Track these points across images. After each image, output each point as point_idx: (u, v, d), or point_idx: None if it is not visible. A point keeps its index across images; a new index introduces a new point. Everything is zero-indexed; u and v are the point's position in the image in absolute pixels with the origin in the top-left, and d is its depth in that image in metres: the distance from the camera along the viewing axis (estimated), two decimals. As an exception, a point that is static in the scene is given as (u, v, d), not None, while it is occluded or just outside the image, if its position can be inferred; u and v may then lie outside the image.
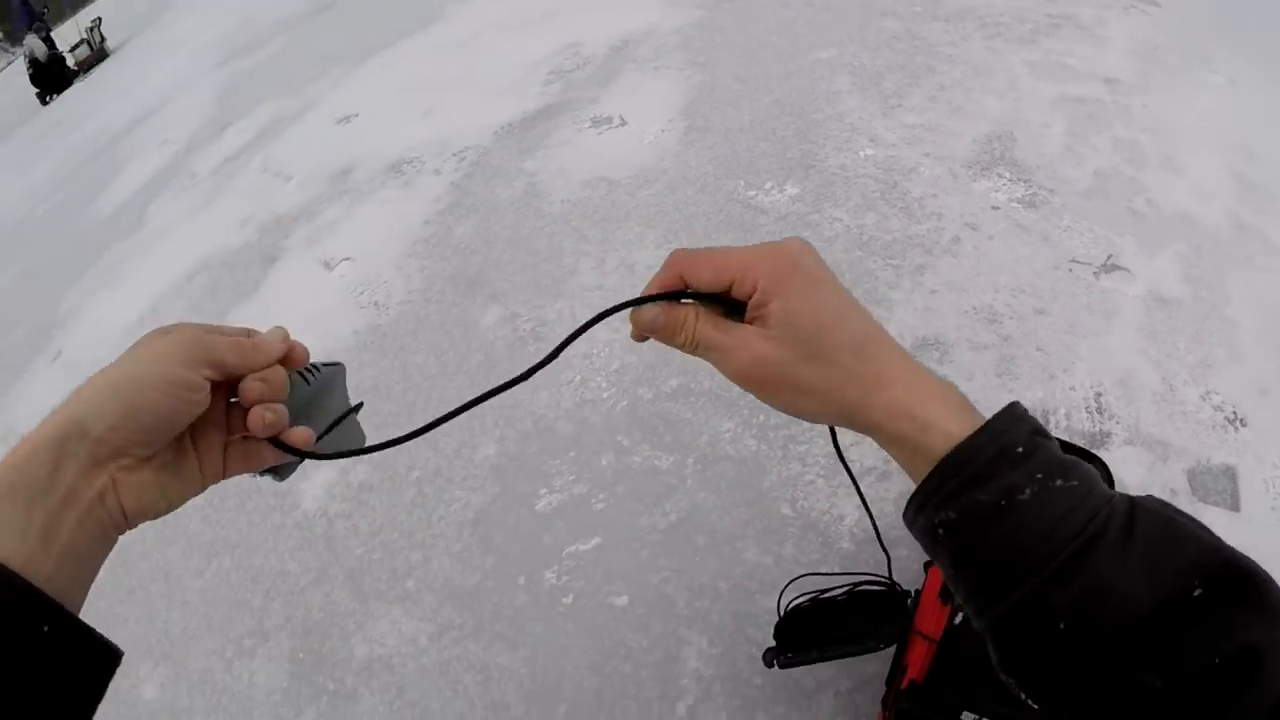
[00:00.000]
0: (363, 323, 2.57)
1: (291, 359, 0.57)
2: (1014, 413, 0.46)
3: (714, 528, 1.83)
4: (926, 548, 0.48)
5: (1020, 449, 0.44)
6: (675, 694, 1.65)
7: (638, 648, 1.71)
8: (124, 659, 0.46)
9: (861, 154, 2.77)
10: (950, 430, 0.45)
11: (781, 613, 1.54)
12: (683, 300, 0.53)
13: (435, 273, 2.61)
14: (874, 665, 1.59)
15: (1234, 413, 1.86)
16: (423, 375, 2.31)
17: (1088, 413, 1.91)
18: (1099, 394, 1.93)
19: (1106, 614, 0.40)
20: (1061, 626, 0.41)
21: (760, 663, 1.58)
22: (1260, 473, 1.77)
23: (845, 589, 1.52)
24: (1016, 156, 2.66)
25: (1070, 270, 2.22)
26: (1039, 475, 0.43)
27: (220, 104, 5.63)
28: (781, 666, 1.42)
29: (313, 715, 1.81)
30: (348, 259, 2.88)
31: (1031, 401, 1.93)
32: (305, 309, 2.79)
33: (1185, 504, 1.75)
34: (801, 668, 1.60)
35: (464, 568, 1.92)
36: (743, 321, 0.51)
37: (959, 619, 1.35)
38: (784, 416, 2.01)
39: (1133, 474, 1.78)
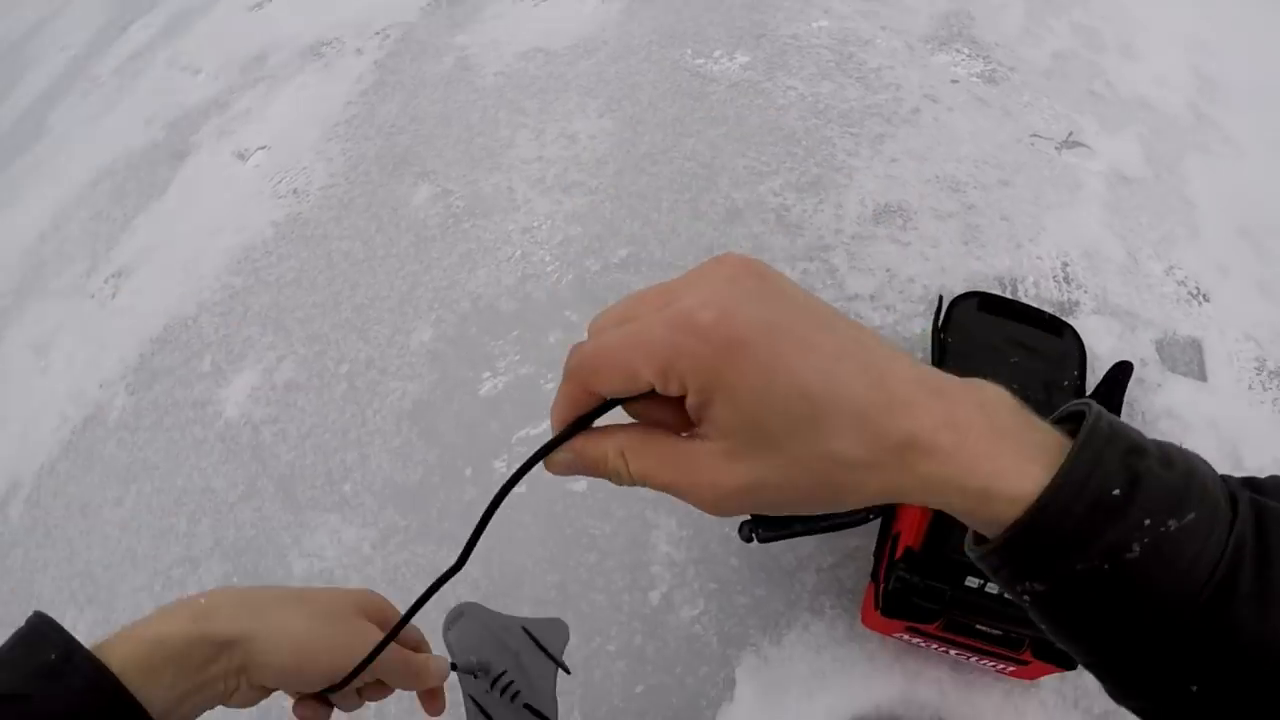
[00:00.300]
0: (281, 213, 2.27)
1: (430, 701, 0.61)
2: (1098, 432, 0.34)
3: (677, 402, 1.63)
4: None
5: (1117, 490, 0.32)
6: (646, 582, 1.48)
7: (601, 535, 1.53)
8: (48, 608, 0.50)
9: (815, 25, 2.53)
10: (1017, 491, 0.33)
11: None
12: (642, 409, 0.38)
13: (359, 155, 2.30)
14: (855, 539, 1.42)
15: (1197, 288, 1.82)
16: (349, 262, 2.03)
17: (1055, 282, 1.82)
18: (1066, 264, 1.85)
19: (1245, 670, 0.32)
20: (1194, 689, 0.33)
21: (736, 542, 1.40)
22: (1224, 346, 1.73)
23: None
24: (975, 34, 2.47)
25: (1032, 144, 2.10)
26: (1147, 521, 0.32)
27: (122, 3, 5.04)
28: (761, 541, 1.23)
29: (253, 642, 1.59)
30: (263, 148, 2.54)
31: (999, 269, 1.83)
32: (217, 204, 2.46)
33: (1154, 374, 1.68)
34: (780, 544, 1.43)
35: (405, 464, 1.69)
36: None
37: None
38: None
39: (1103, 343, 1.70)
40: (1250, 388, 1.70)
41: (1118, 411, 1.39)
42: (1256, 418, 1.67)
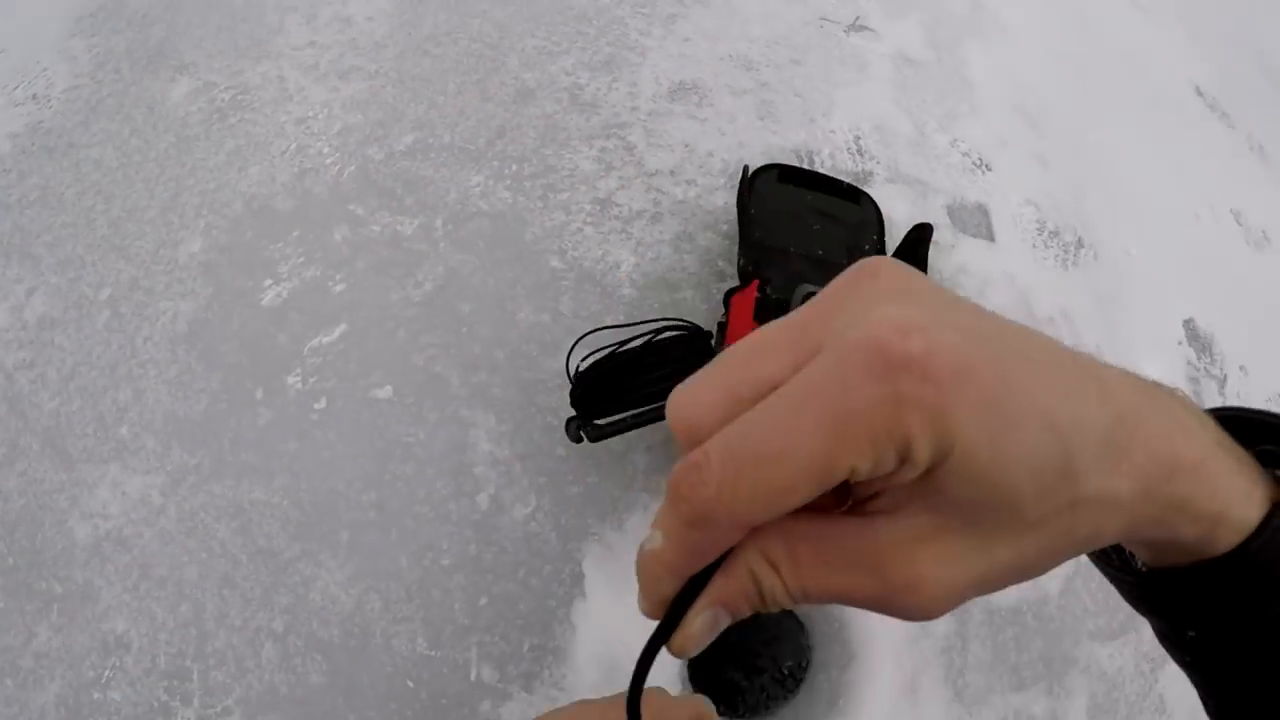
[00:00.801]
0: (19, 123, 1.79)
1: None
2: None
3: (478, 292, 1.41)
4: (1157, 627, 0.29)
5: None
6: (471, 486, 1.26)
7: (416, 443, 1.29)
8: None
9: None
10: (1244, 517, 0.25)
11: (573, 376, 1.18)
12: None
13: (107, 50, 1.84)
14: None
15: (980, 159, 1.83)
16: (101, 172, 1.62)
17: (849, 153, 1.77)
18: (858, 137, 1.80)
19: None
20: None
21: (560, 431, 1.21)
22: (1007, 210, 1.77)
23: (643, 339, 1.19)
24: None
25: (821, 27, 2.00)
26: None
27: None
28: (593, 439, 1.05)
29: (46, 633, 1.26)
30: (-7, 53, 2.03)
31: (795, 142, 1.74)
32: (-57, 123, 1.95)
33: (948, 237, 1.69)
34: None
35: (186, 394, 1.37)
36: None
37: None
38: (540, 162, 1.55)
39: (898, 209, 1.67)
40: (1034, 246, 1.75)
41: (923, 268, 1.31)
42: (1041, 271, 1.72)
